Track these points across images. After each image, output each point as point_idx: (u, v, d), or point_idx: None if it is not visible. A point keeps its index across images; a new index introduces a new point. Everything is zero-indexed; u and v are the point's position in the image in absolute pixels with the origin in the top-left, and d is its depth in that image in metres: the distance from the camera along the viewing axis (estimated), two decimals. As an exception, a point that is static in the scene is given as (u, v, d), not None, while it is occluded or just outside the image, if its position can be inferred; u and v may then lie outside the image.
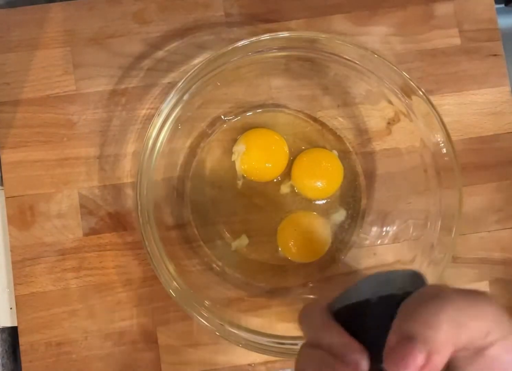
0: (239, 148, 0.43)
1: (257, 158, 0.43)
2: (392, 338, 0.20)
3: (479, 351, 0.20)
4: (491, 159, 0.45)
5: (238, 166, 0.43)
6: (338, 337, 0.22)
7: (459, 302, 0.20)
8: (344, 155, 0.44)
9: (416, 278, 0.24)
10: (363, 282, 0.23)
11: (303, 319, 0.25)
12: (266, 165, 0.43)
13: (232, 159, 0.43)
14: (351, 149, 0.44)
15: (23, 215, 0.42)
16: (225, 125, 0.44)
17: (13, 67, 0.43)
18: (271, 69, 0.43)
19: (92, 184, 0.43)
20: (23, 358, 0.41)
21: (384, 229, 0.43)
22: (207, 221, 0.43)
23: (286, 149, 0.43)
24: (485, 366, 0.20)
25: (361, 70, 0.39)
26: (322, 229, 0.43)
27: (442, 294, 0.20)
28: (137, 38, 0.44)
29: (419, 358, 0.19)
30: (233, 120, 0.44)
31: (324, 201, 0.44)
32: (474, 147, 0.45)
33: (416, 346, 0.19)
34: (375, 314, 0.22)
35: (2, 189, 0.43)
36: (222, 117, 0.44)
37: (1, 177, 0.43)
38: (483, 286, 0.44)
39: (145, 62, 0.44)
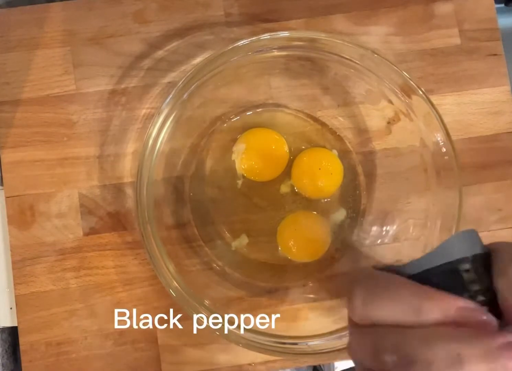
0: (239, 148, 0.43)
1: (257, 158, 0.43)
2: (504, 282, 0.18)
3: None
4: (491, 159, 0.45)
5: (238, 166, 0.43)
6: (447, 302, 0.18)
7: None
8: (344, 155, 0.44)
9: (476, 236, 0.22)
10: (445, 245, 0.21)
11: (361, 290, 0.20)
12: (266, 164, 0.43)
13: (232, 159, 0.43)
14: (351, 149, 0.44)
15: (23, 215, 0.42)
16: (225, 125, 0.44)
17: (13, 67, 0.43)
18: (271, 69, 0.43)
19: (92, 183, 0.43)
20: (23, 358, 0.41)
21: (384, 228, 0.43)
22: (207, 221, 0.43)
23: (286, 148, 0.43)
24: None
25: (361, 69, 0.39)
26: (322, 229, 0.43)
27: None
28: (137, 38, 0.44)
29: None
30: (233, 120, 0.44)
31: (324, 201, 0.44)
32: (474, 147, 0.45)
33: None
34: (476, 271, 0.20)
35: (2, 189, 0.43)
36: (222, 117, 0.44)
37: (1, 177, 0.43)
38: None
39: (145, 61, 0.44)
